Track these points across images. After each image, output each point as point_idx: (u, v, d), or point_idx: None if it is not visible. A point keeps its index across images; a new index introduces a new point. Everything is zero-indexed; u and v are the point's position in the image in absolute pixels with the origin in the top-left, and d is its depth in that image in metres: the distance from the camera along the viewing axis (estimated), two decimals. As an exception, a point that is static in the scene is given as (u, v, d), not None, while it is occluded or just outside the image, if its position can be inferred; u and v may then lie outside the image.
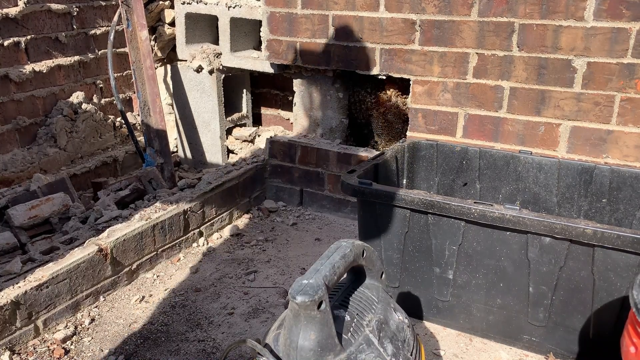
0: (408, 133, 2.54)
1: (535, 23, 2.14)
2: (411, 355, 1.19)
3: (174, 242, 2.24)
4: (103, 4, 3.03)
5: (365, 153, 2.54)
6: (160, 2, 3.15)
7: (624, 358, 1.13)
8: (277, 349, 1.08)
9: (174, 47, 3.26)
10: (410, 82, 2.46)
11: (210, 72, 3.02)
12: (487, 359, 1.67)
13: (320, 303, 1.03)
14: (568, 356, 1.62)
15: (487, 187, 2.12)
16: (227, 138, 3.20)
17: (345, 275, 1.25)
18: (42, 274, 1.74)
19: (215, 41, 3.18)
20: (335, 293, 1.22)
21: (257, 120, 3.41)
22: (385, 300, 1.25)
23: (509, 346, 1.71)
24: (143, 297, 1.97)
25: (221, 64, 3.03)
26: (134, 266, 2.07)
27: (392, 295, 1.84)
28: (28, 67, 2.66)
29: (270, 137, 2.82)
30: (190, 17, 3.08)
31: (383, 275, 1.30)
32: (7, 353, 1.62)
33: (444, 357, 1.68)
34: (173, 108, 3.29)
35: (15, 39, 2.59)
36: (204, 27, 3.18)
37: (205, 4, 2.98)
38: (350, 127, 2.88)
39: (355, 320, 1.14)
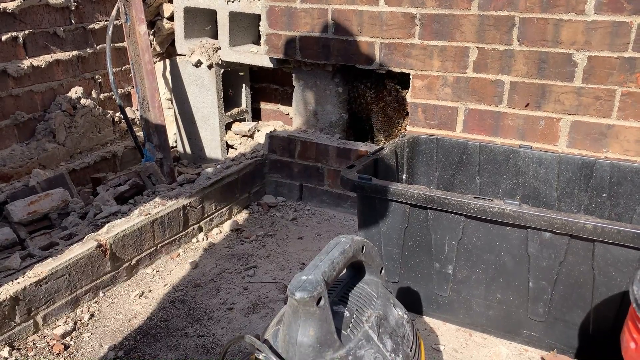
0: (408, 128, 2.53)
1: (536, 17, 2.12)
2: (411, 350, 1.18)
3: (174, 238, 2.24)
4: (101, -2, 3.01)
5: (365, 148, 2.53)
6: (159, -3, 3.13)
7: (624, 354, 1.13)
8: (276, 345, 1.08)
9: (173, 41, 3.24)
10: (410, 77, 2.45)
11: (209, 66, 3.01)
12: (486, 353, 1.67)
13: (319, 299, 1.02)
14: (568, 351, 1.62)
15: (487, 181, 2.12)
16: (226, 133, 3.19)
17: (344, 271, 1.24)
18: (41, 270, 1.73)
19: (214, 35, 3.17)
20: (334, 289, 1.22)
21: (256, 115, 3.40)
22: (385, 295, 1.25)
23: (508, 341, 1.71)
24: (142, 292, 1.97)
25: (220, 59, 3.02)
26: (134, 262, 2.06)
27: (392, 290, 1.84)
28: (26, 62, 2.64)
29: (270, 132, 2.81)
30: (189, 12, 3.06)
31: (382, 271, 1.30)
32: (7, 349, 1.62)
33: (443, 352, 1.68)
34: (172, 103, 3.28)
35: (13, 33, 2.57)
36: (202, 21, 3.17)
37: (204, -2, 2.96)
38: (350, 122, 2.87)
39: (354, 316, 1.13)
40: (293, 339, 1.04)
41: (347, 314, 1.13)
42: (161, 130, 2.86)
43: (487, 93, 2.30)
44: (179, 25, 3.11)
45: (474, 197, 1.58)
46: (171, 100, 3.29)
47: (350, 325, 1.11)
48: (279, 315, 1.18)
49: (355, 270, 1.29)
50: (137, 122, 3.21)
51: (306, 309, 1.02)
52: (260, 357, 1.06)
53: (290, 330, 1.04)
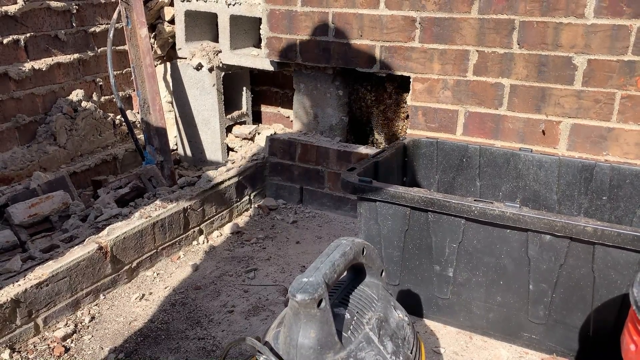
0: (408, 130, 2.53)
1: (536, 20, 2.13)
2: (411, 353, 1.18)
3: (174, 240, 2.24)
4: (102, 1, 3.02)
5: (366, 150, 2.53)
6: (160, 0, 3.14)
7: (624, 356, 1.13)
8: (277, 347, 1.08)
9: (174, 44, 3.25)
10: (411, 80, 2.46)
11: (210, 69, 3.02)
12: (487, 356, 1.67)
13: (320, 301, 1.02)
14: (568, 354, 1.62)
15: (487, 184, 2.12)
16: (227, 136, 3.19)
17: (345, 273, 1.24)
18: (42, 272, 1.74)
19: (215, 39, 3.18)
20: (335, 291, 1.22)
21: (257, 118, 3.40)
22: (386, 298, 1.25)
23: (509, 344, 1.71)
24: (143, 295, 1.97)
25: (221, 62, 3.02)
26: (134, 264, 2.07)
27: (392, 293, 1.84)
28: (27, 65, 2.65)
29: (270, 134, 2.82)
30: (189, 15, 3.07)
31: (383, 273, 1.30)
32: (7, 351, 1.62)
33: (444, 355, 1.68)
34: (173, 106, 3.29)
35: (15, 36, 2.58)
36: (203, 24, 3.18)
37: (205, 1, 2.97)
38: (351, 125, 2.88)
39: (355, 318, 1.14)
40: (294, 341, 1.04)
41: (347, 316, 1.13)
42: (162, 133, 2.86)
43: (488, 96, 2.30)
44: (179, 29, 3.11)
45: (474, 200, 1.58)
46: (172, 103, 3.30)
47: (351, 327, 1.11)
48: (280, 317, 1.18)
49: (356, 273, 1.29)
50: (138, 125, 3.21)
51: (307, 311, 1.02)
52: (261, 359, 1.06)
53: (291, 332, 1.05)
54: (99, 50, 3.04)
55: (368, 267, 1.27)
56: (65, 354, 1.66)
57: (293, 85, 2.87)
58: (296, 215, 2.64)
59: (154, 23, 3.26)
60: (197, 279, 2.09)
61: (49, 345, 1.69)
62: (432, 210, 1.65)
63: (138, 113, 3.20)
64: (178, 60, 3.18)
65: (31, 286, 1.68)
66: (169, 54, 3.37)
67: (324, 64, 2.64)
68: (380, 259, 1.29)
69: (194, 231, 2.35)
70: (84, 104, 2.92)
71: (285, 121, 3.31)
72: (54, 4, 2.74)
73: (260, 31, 2.77)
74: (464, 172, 2.15)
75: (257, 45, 3.12)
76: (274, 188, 2.80)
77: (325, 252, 1.16)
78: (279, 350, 1.07)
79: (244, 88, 3.23)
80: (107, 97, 3.14)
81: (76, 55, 2.91)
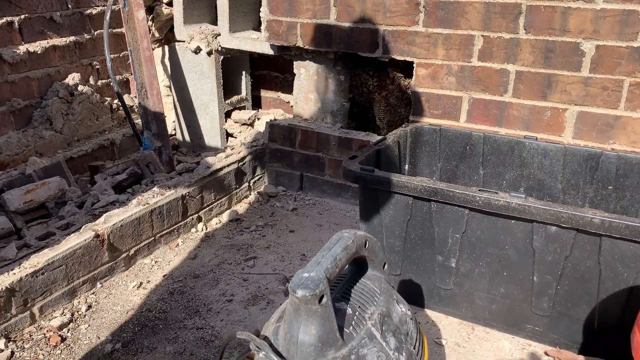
0: (411, 117, 2.49)
1: (543, 5, 2.07)
2: (414, 348, 1.16)
3: (172, 228, 2.21)
4: (98, -18, 2.95)
5: (367, 137, 2.49)
6: (158, -19, 3.07)
7: (634, 353, 1.10)
8: (276, 342, 1.06)
9: (172, 27, 3.18)
10: (414, 65, 2.41)
11: (209, 53, 2.96)
12: (489, 348, 1.65)
13: (322, 297, 0.99)
14: (571, 346, 1.60)
15: (490, 172, 2.08)
16: (226, 121, 3.15)
17: (346, 266, 1.21)
18: (37, 260, 1.71)
19: (214, 21, 3.11)
20: (336, 285, 1.19)
21: (256, 103, 3.35)
22: (388, 292, 1.22)
23: (511, 335, 1.69)
24: (141, 283, 1.95)
25: (220, 45, 2.96)
26: (132, 252, 2.04)
27: (394, 283, 1.82)
28: (22, 48, 2.59)
29: (270, 120, 2.77)
30: (188, -3, 3.01)
31: (385, 266, 1.27)
32: (3, 340, 1.60)
33: (445, 346, 1.65)
34: (171, 90, 3.23)
35: (9, 18, 2.52)
36: (202, 6, 3.11)
37: (204, -17, 2.90)
38: (352, 111, 2.83)
39: (357, 313, 1.11)
40: (294, 338, 1.01)
41: (349, 311, 1.10)
42: (160, 118, 2.81)
43: (492, 82, 2.25)
44: (178, 11, 3.05)
45: (479, 190, 1.54)
46: (170, 88, 3.24)
47: (353, 322, 1.08)
48: (280, 311, 1.15)
49: (358, 266, 1.26)
50: (136, 110, 3.16)
51: (308, 307, 0.99)
52: (260, 354, 1.03)
53: (291, 329, 1.02)
54: (95, 32, 2.98)
55: (370, 260, 1.23)
56: (62, 344, 1.64)
57: (293, 70, 2.81)
58: (296, 203, 2.61)
59: (152, 5, 3.19)
60: (195, 267, 2.06)
61: (45, 334, 1.67)
62: (435, 200, 1.61)
63: (135, 97, 3.14)
64: (176, 43, 3.12)
65: (26, 275, 1.66)
66: (167, 37, 3.31)
67: (325, 48, 2.59)
68: (382, 251, 1.26)
69: (193, 218, 2.31)
70: (80, 87, 2.86)
71: (285, 106, 3.26)
72: (48, -16, 2.67)
73: (260, 14, 2.71)
74: (467, 160, 2.11)
75: (257, 28, 3.05)
76: (273, 175, 2.77)
77: (327, 245, 1.12)
78: (278, 346, 1.04)
79: (244, 72, 3.17)
80: (104, 80, 3.08)
81: (72, 38, 2.85)
